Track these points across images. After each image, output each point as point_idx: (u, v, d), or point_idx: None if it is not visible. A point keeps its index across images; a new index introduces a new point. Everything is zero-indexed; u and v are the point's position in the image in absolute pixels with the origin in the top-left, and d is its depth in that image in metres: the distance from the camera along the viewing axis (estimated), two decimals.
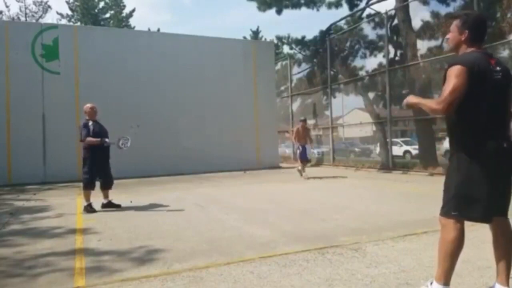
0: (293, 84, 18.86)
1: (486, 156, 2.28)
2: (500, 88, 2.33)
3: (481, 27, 2.45)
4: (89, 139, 6.31)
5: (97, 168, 6.40)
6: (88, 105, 6.60)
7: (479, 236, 3.93)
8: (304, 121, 11.34)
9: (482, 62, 2.33)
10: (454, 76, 2.29)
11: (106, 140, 6.40)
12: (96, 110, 6.58)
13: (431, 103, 2.39)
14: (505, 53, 10.25)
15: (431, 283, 2.41)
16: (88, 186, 6.38)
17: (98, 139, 6.30)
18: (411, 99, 2.58)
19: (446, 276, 2.34)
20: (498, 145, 2.28)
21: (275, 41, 19.85)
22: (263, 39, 32.63)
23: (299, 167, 11.08)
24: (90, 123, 6.43)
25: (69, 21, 31.49)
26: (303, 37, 18.15)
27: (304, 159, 11.07)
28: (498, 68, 2.34)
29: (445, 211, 2.38)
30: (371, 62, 17.52)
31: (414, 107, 2.63)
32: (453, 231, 2.32)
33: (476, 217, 2.33)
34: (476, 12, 2.53)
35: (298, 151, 11.22)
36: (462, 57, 2.40)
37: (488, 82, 2.30)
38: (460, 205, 2.32)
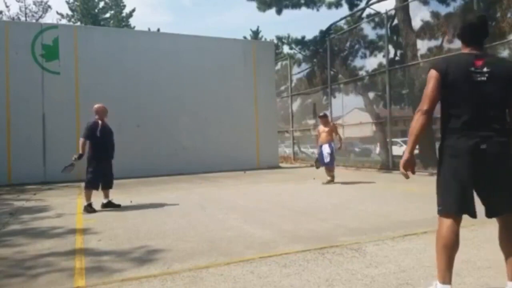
0: (293, 84, 18.86)
1: (460, 155, 2.35)
2: (483, 89, 2.33)
3: (473, 29, 2.45)
4: (82, 142, 6.43)
5: (102, 167, 6.42)
6: (100, 105, 6.63)
7: (479, 236, 3.94)
8: (322, 116, 9.57)
9: (459, 63, 2.39)
10: (428, 80, 2.45)
11: (73, 158, 6.44)
12: (106, 110, 6.64)
13: (412, 123, 2.47)
14: (505, 53, 10.24)
15: (435, 285, 2.41)
16: (91, 186, 6.39)
17: (82, 152, 6.37)
18: (404, 161, 2.50)
19: (442, 274, 2.35)
20: (473, 145, 2.31)
21: (275, 41, 19.89)
22: (263, 39, 32.61)
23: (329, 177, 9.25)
24: (100, 122, 6.48)
25: (69, 21, 31.48)
26: (303, 37, 18.19)
27: (321, 163, 9.40)
28: (484, 69, 2.33)
29: (437, 208, 2.47)
30: (371, 62, 17.56)
31: (412, 158, 2.51)
32: (443, 227, 2.38)
33: (450, 210, 2.39)
34: (472, 14, 2.52)
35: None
36: (438, 60, 2.53)
37: (465, 83, 2.34)
38: (441, 199, 2.43)
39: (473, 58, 2.38)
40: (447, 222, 2.38)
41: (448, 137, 2.42)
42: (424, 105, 2.43)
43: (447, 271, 2.34)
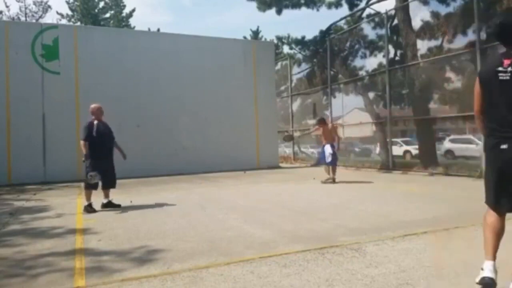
0: (293, 84, 18.86)
1: (488, 155, 2.55)
2: (507, 88, 2.35)
3: (501, 32, 2.49)
4: (82, 144, 6.40)
5: (101, 167, 6.42)
6: (96, 105, 6.65)
7: (479, 236, 3.92)
8: (321, 121, 9.81)
9: (491, 64, 2.47)
10: None
11: (83, 162, 6.47)
12: (102, 110, 6.64)
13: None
14: None
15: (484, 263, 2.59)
16: (91, 186, 6.39)
17: (86, 153, 6.33)
18: None
19: (488, 253, 2.55)
20: (495, 145, 2.35)
21: (275, 41, 19.86)
22: (263, 39, 32.58)
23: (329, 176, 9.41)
24: (96, 122, 6.48)
25: (69, 21, 31.46)
26: (303, 37, 18.16)
27: (323, 162, 9.72)
28: (509, 69, 2.35)
29: None
30: (371, 62, 17.55)
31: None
32: (488, 215, 2.61)
33: (489, 202, 2.61)
34: (500, 18, 2.53)
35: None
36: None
37: (491, 83, 2.38)
38: (485, 191, 2.66)
39: (502, 58, 2.41)
40: (492, 213, 2.61)
41: (485, 136, 2.62)
42: (474, 106, 2.67)
43: (491, 250, 2.53)
